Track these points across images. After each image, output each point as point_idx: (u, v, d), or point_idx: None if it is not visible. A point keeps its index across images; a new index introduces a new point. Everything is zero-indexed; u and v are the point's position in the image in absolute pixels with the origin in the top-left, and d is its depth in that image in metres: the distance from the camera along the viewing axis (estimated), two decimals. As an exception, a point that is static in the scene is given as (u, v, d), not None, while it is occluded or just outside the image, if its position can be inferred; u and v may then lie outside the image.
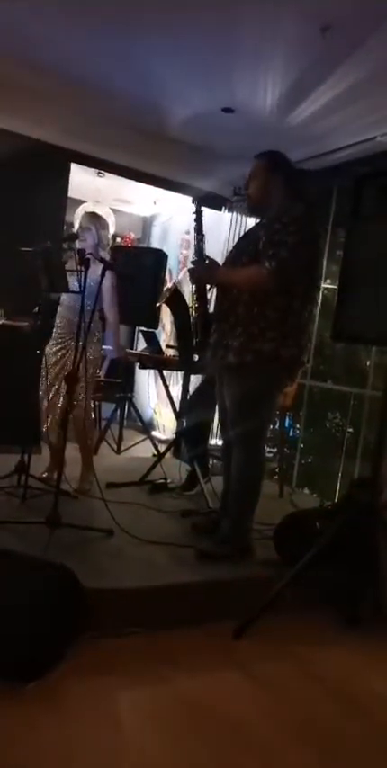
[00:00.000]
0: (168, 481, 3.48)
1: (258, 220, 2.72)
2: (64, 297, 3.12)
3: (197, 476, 3.29)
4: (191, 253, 5.66)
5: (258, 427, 2.55)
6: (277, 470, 4.06)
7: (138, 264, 4.38)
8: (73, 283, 2.72)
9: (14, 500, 2.82)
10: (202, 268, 2.68)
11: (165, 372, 4.92)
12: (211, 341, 2.60)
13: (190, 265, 2.72)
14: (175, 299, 2.83)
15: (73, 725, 1.61)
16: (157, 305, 4.18)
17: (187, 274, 2.96)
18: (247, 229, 2.99)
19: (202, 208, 2.78)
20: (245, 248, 2.58)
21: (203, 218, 2.76)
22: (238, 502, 2.61)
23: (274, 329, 2.43)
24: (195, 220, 2.73)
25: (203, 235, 2.70)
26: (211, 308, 2.74)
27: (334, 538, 2.33)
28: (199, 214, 2.73)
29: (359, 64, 2.74)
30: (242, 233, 4.61)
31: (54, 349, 3.16)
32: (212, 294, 2.73)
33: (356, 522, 2.36)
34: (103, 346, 3.34)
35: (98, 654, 1.92)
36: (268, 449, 4.80)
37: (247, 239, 2.67)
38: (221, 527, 2.65)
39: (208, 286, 2.71)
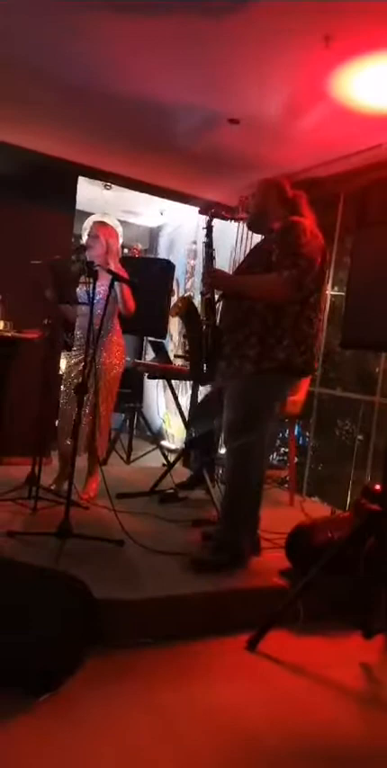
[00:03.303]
0: (178, 491, 3.48)
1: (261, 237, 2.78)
2: (81, 307, 3.14)
3: (199, 480, 3.28)
4: (198, 263, 5.72)
5: (259, 434, 2.55)
6: (288, 478, 4.04)
7: (145, 275, 4.40)
8: (82, 294, 2.74)
9: (26, 511, 2.83)
10: (218, 273, 2.71)
11: (173, 382, 4.93)
12: (224, 351, 2.61)
13: (202, 275, 2.76)
14: (188, 309, 2.83)
15: (84, 736, 1.60)
16: (170, 316, 4.19)
17: (195, 284, 2.99)
18: (253, 240, 3.04)
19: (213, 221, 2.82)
20: (256, 262, 2.61)
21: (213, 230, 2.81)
22: (228, 508, 2.61)
23: (289, 337, 2.48)
24: (206, 235, 2.77)
25: (214, 249, 2.75)
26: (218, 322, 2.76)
27: (346, 546, 2.31)
28: (210, 228, 2.78)
29: (363, 71, 2.75)
30: (249, 243, 4.66)
31: (74, 361, 3.20)
32: (219, 306, 2.75)
33: (369, 531, 2.35)
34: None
35: (110, 665, 1.92)
36: (278, 456, 4.80)
37: (256, 254, 2.70)
38: (215, 534, 2.65)
39: (216, 297, 2.73)
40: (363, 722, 1.86)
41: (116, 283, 2.98)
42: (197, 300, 2.87)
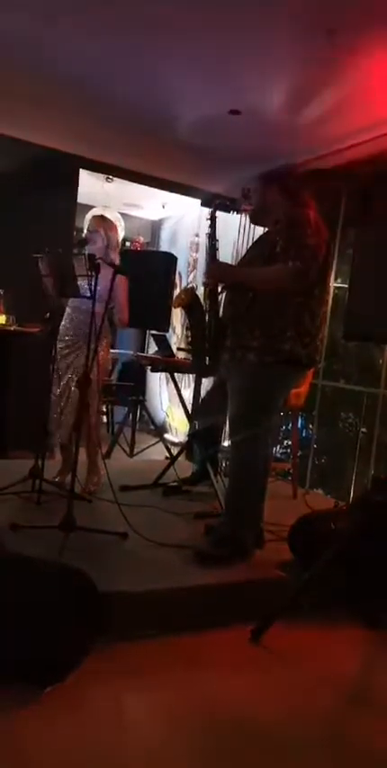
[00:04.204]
0: (182, 484, 3.48)
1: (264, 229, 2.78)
2: (74, 301, 3.13)
3: (203, 474, 3.29)
4: (201, 256, 5.70)
5: (263, 427, 2.54)
6: (291, 471, 4.04)
7: (147, 268, 4.40)
8: (83, 288, 2.74)
9: (29, 504, 2.84)
10: (220, 266, 2.70)
11: (176, 375, 4.93)
12: (226, 343, 2.60)
13: (206, 267, 2.76)
14: (192, 301, 2.83)
15: (90, 728, 1.61)
16: (172, 308, 4.19)
17: (198, 277, 3.00)
18: (256, 231, 3.05)
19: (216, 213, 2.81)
20: (259, 254, 2.60)
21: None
22: (233, 501, 2.62)
23: (292, 329, 2.47)
24: (209, 226, 2.76)
25: (217, 240, 2.74)
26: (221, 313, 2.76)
27: (350, 538, 2.31)
28: (213, 220, 2.76)
29: (366, 62, 2.73)
30: (251, 234, 4.65)
31: (64, 352, 3.18)
32: (222, 298, 2.75)
33: (372, 522, 2.35)
34: (115, 350, 3.36)
35: (114, 657, 1.92)
36: (281, 449, 4.80)
37: (260, 246, 2.69)
38: (218, 527, 2.66)
39: (219, 289, 2.73)
40: (367, 716, 1.86)
41: (115, 287, 2.97)
42: (200, 292, 2.87)
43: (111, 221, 3.28)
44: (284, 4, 2.36)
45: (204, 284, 2.77)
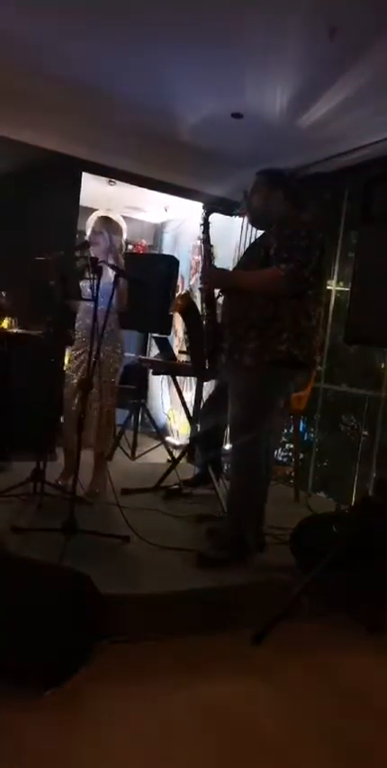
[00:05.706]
0: (183, 487, 3.48)
1: (262, 232, 2.78)
2: (83, 303, 3.14)
3: (205, 477, 3.29)
4: (201, 260, 5.71)
5: (264, 430, 2.54)
6: (292, 474, 4.04)
7: (150, 271, 4.40)
8: (86, 290, 2.74)
9: (31, 507, 2.84)
10: (215, 272, 2.71)
11: (178, 378, 4.93)
12: (224, 346, 2.61)
13: (201, 272, 2.77)
14: (188, 306, 2.84)
15: (90, 731, 1.61)
16: (170, 313, 4.20)
17: (199, 280, 3.00)
18: (256, 236, 3.05)
19: (211, 216, 2.81)
20: (254, 257, 2.61)
21: (210, 226, 2.81)
22: (234, 504, 2.62)
23: (288, 330, 2.47)
24: (203, 232, 2.77)
25: (212, 245, 2.74)
26: (219, 317, 2.76)
27: (351, 542, 2.31)
28: (206, 225, 2.77)
29: (368, 64, 2.73)
30: (253, 238, 4.65)
31: (75, 355, 3.20)
32: (219, 302, 2.75)
33: (374, 526, 2.34)
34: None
35: (115, 660, 1.92)
36: (283, 452, 4.80)
37: (255, 249, 2.70)
38: (220, 530, 2.66)
39: (216, 293, 2.73)
40: (367, 718, 1.86)
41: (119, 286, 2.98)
42: (199, 296, 2.87)
43: (116, 223, 3.28)
44: (288, 4, 2.36)
45: (201, 289, 2.78)
